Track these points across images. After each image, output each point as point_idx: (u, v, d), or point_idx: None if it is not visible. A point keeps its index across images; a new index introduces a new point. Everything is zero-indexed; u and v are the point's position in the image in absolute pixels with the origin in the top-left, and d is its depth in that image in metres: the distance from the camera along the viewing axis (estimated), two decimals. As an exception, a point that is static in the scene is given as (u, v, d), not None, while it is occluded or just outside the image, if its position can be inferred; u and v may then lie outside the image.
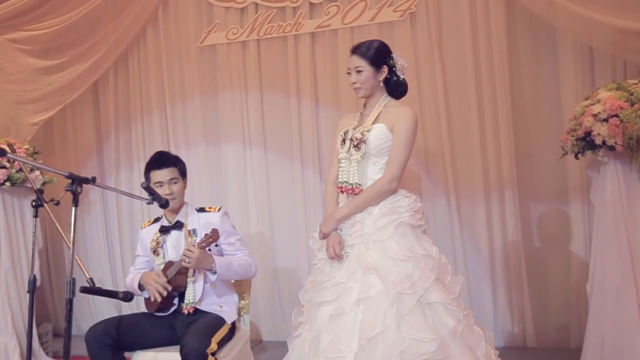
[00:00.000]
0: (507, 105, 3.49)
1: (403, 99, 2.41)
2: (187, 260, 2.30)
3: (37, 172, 3.53)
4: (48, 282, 4.27)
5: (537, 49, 3.50)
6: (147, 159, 2.56)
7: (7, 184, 3.37)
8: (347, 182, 2.26)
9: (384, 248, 2.12)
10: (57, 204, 1.78)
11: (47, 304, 4.22)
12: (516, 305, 3.48)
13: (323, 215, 3.70)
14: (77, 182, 1.67)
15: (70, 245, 1.70)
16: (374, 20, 3.69)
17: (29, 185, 3.51)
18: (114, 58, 4.11)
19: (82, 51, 4.05)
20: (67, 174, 1.67)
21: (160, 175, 2.50)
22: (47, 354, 3.61)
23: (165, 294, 2.38)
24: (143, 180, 2.48)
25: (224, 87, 4.00)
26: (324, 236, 2.27)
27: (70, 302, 1.64)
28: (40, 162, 3.51)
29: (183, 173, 2.59)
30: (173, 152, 4.04)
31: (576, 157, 2.71)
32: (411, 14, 3.63)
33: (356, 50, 2.32)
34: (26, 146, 3.63)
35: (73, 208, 1.67)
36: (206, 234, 2.34)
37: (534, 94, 3.52)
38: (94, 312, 4.26)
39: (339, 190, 2.31)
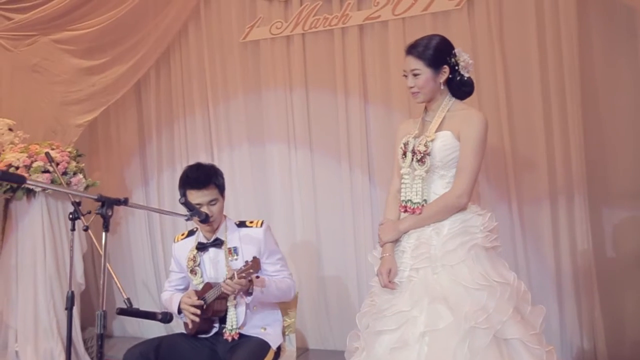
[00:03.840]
0: (576, 99, 3.15)
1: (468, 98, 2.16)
2: (229, 291, 2.15)
3: (80, 176, 3.48)
4: (94, 284, 4.24)
5: (613, 36, 3.14)
6: (186, 165, 2.39)
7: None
8: (410, 201, 2.03)
9: (455, 274, 1.88)
10: (86, 229, 1.65)
11: (93, 307, 4.19)
12: (586, 320, 3.17)
13: (372, 220, 3.59)
14: (107, 205, 1.52)
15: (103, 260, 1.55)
16: (427, 10, 3.42)
17: (73, 189, 3.46)
18: (156, 56, 4.00)
19: (124, 50, 3.97)
20: (96, 197, 1.53)
21: (199, 196, 2.29)
22: (92, 359, 3.59)
23: (197, 318, 2.24)
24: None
25: (267, 85, 3.82)
26: (382, 244, 2.08)
27: (101, 338, 1.50)
28: (58, 175, 3.32)
29: (222, 189, 2.38)
30: (216, 153, 3.97)
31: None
32: (469, 1, 3.34)
33: (411, 50, 2.08)
34: (69, 149, 3.59)
35: (103, 234, 1.52)
36: (247, 262, 2.15)
37: (608, 87, 3.17)
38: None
39: (402, 210, 2.07)
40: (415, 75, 2.06)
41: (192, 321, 2.28)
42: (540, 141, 3.25)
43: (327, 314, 3.77)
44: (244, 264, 2.16)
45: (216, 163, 3.90)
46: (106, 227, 1.54)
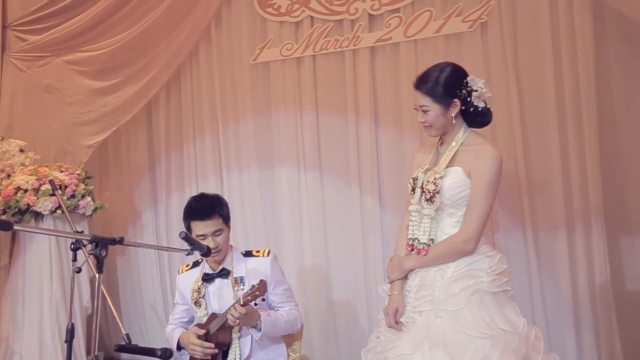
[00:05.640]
0: (593, 124, 3.07)
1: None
2: (235, 322, 2.09)
3: (88, 198, 3.47)
4: (103, 307, 4.18)
5: (631, 59, 3.06)
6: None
7: (58, 211, 3.32)
8: (417, 240, 1.94)
9: (457, 320, 1.79)
10: (79, 271, 1.60)
11: (101, 330, 4.14)
12: (606, 355, 3.04)
13: (383, 245, 3.52)
14: (101, 245, 1.48)
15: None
16: (440, 32, 3.36)
17: (81, 212, 3.45)
18: (167, 77, 3.99)
19: (136, 71, 3.97)
20: (90, 238, 1.48)
21: (203, 227, 2.26)
22: (97, 384, 3.54)
23: (215, 350, 2.20)
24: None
25: (277, 107, 3.78)
26: (390, 281, 2.02)
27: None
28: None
29: (227, 219, 2.35)
30: (225, 174, 3.93)
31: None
32: (482, 24, 3.28)
33: (419, 85, 1.99)
34: (78, 171, 3.59)
35: (97, 275, 1.47)
36: (253, 286, 2.11)
37: (626, 111, 3.09)
38: (145, 332, 4.17)
39: (408, 248, 2.00)
40: (424, 111, 1.98)
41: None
42: (556, 167, 3.16)
43: (336, 339, 3.68)
44: (250, 287, 2.11)
45: (225, 185, 3.93)
46: (100, 269, 1.49)
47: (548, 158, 3.18)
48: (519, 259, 3.19)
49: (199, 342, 2.21)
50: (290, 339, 2.44)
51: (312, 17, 3.67)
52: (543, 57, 3.18)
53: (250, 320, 2.13)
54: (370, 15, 3.53)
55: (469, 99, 1.97)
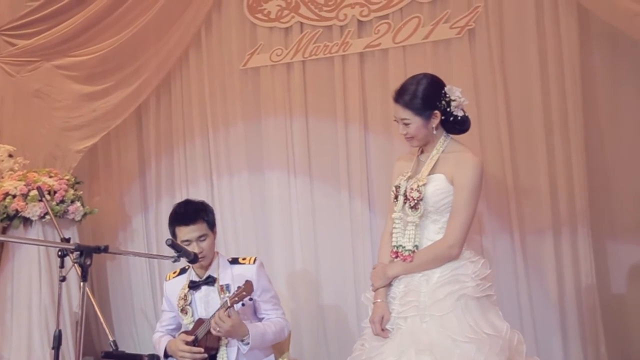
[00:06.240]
0: (579, 128, 3.11)
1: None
2: (217, 330, 2.09)
3: (78, 204, 3.46)
4: (92, 312, 4.17)
5: (617, 67, 3.10)
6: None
7: (47, 217, 3.31)
8: (402, 247, 1.97)
9: (443, 325, 1.82)
10: (63, 280, 1.60)
11: (92, 334, 4.13)
12: (591, 358, 3.08)
13: (372, 249, 3.54)
14: (85, 254, 1.48)
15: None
16: (428, 38, 3.39)
17: (70, 217, 3.45)
18: (157, 82, 3.99)
19: (126, 76, 3.97)
20: (74, 247, 1.49)
21: (187, 232, 2.28)
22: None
23: (206, 355, 2.21)
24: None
25: (267, 112, 3.80)
26: (374, 289, 2.04)
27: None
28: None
29: (212, 224, 2.36)
30: (215, 179, 3.94)
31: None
32: (470, 30, 3.30)
33: (398, 98, 2.02)
34: (67, 177, 3.58)
35: (81, 284, 1.48)
36: (239, 287, 2.12)
37: (612, 118, 3.12)
38: (135, 336, 4.17)
39: (392, 256, 2.02)
40: (405, 124, 2.01)
41: None
42: (542, 172, 3.19)
43: (326, 344, 3.69)
44: (237, 289, 2.12)
45: (215, 190, 3.94)
46: (84, 277, 1.49)
47: (535, 162, 3.22)
48: (506, 263, 3.23)
49: (188, 347, 2.22)
50: (278, 351, 2.45)
51: (301, 23, 3.69)
52: (530, 63, 3.21)
53: (237, 333, 2.13)
54: (359, 22, 3.55)
55: (448, 109, 2.00)
